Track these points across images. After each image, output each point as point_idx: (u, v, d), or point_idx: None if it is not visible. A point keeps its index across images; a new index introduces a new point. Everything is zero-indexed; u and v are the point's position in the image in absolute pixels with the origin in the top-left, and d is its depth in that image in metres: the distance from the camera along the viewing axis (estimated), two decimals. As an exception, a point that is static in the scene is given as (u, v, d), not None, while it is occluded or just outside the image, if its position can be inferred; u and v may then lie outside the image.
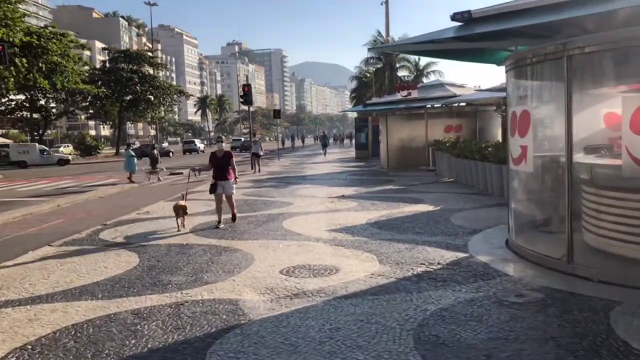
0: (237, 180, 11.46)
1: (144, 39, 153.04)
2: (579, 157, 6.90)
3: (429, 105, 23.47)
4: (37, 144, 47.98)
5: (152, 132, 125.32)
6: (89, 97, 58.16)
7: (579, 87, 6.64)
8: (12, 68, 29.32)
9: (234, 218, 10.78)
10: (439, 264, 7.05)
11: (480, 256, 7.31)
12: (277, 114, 36.02)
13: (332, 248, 8.13)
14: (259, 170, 24.75)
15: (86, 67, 62.49)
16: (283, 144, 73.87)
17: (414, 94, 23.64)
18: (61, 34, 38.35)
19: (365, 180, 19.53)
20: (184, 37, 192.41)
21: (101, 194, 18.49)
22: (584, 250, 6.70)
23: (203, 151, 65.68)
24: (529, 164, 7.15)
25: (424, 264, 7.08)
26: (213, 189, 10.65)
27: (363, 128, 36.28)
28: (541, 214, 8.07)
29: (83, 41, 47.12)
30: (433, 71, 56.12)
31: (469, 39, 7.41)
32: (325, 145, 41.44)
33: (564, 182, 6.45)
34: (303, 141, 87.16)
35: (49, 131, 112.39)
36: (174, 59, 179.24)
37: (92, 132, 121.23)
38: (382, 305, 5.46)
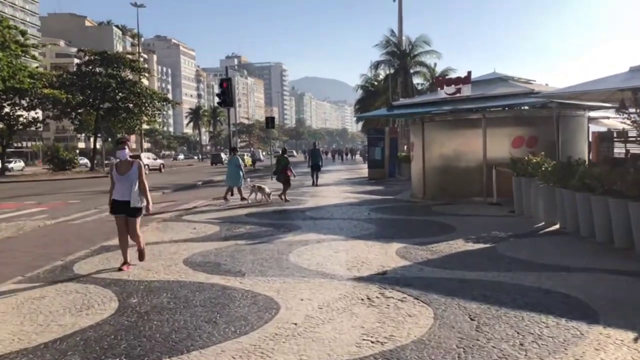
0: None
1: (139, 49, 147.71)
2: None
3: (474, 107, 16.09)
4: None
5: (146, 145, 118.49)
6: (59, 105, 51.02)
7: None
8: None
9: None
10: None
11: None
12: (270, 122, 28.69)
13: None
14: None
15: (51, 71, 55.50)
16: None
17: (465, 91, 16.24)
18: (-7, 16, 30.93)
19: (404, 223, 12.02)
20: (181, 48, 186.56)
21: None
22: None
23: (261, 159, 62.85)
24: None
25: None
26: None
27: (378, 142, 28.77)
28: None
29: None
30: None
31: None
32: (316, 168, 24.30)
33: None
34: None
35: (31, 143, 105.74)
36: (169, 71, 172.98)
37: (82, 145, 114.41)
38: None
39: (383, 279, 6.73)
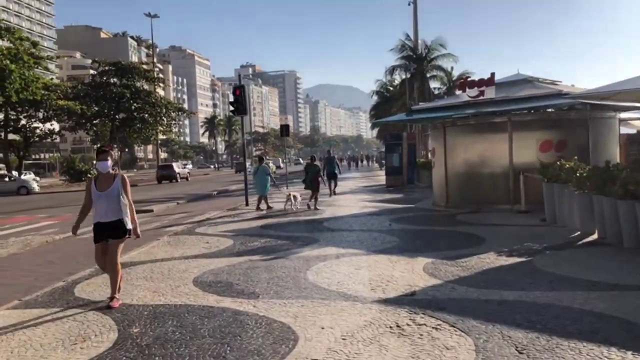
0: None
1: (154, 60, 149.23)
2: None
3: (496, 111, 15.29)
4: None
5: (163, 155, 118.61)
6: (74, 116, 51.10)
7: None
8: None
9: None
10: None
11: None
12: (285, 130, 28.14)
13: None
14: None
15: (65, 82, 55.74)
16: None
17: (489, 93, 15.52)
18: (5, 28, 30.77)
19: (428, 234, 11.32)
20: (196, 58, 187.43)
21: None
22: None
23: (280, 167, 60.86)
24: None
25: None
26: None
27: (396, 147, 28.04)
28: None
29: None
30: (470, 82, 48.03)
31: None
32: (332, 177, 22.23)
33: None
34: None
35: (49, 155, 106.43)
36: (185, 81, 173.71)
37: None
38: None
39: (412, 301, 6.05)
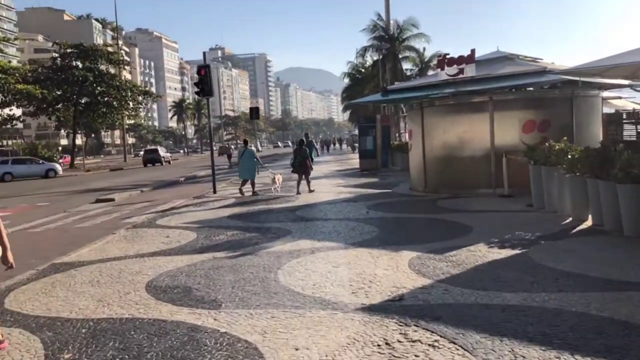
0: None
1: (120, 42, 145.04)
2: None
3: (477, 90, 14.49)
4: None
5: (131, 140, 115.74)
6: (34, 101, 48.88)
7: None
8: None
9: None
10: None
11: None
12: (255, 113, 26.95)
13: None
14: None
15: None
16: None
17: (469, 71, 14.69)
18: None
19: (410, 223, 10.49)
20: (163, 40, 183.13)
21: None
22: None
23: (259, 150, 67.20)
24: None
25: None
26: None
27: (369, 130, 27.14)
28: None
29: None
30: (442, 63, 47.44)
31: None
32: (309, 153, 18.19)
33: None
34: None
35: (12, 141, 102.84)
36: (152, 64, 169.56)
37: (64, 142, 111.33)
38: None
39: (401, 307, 5.18)
